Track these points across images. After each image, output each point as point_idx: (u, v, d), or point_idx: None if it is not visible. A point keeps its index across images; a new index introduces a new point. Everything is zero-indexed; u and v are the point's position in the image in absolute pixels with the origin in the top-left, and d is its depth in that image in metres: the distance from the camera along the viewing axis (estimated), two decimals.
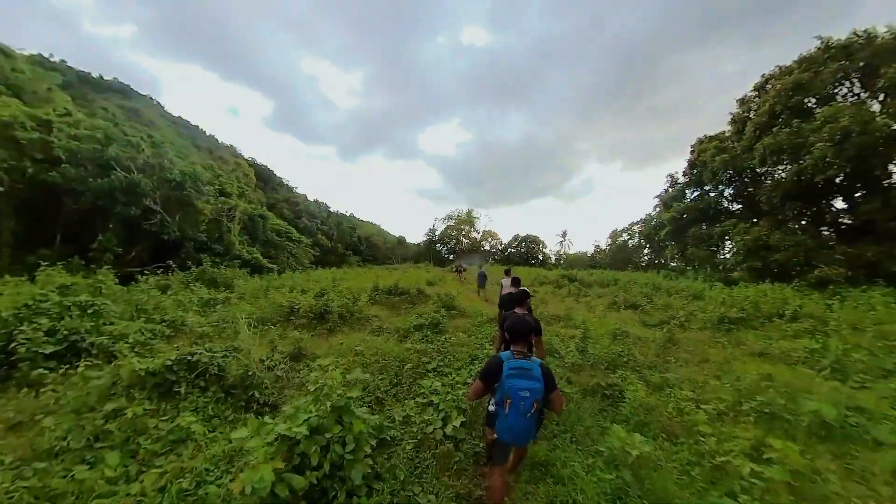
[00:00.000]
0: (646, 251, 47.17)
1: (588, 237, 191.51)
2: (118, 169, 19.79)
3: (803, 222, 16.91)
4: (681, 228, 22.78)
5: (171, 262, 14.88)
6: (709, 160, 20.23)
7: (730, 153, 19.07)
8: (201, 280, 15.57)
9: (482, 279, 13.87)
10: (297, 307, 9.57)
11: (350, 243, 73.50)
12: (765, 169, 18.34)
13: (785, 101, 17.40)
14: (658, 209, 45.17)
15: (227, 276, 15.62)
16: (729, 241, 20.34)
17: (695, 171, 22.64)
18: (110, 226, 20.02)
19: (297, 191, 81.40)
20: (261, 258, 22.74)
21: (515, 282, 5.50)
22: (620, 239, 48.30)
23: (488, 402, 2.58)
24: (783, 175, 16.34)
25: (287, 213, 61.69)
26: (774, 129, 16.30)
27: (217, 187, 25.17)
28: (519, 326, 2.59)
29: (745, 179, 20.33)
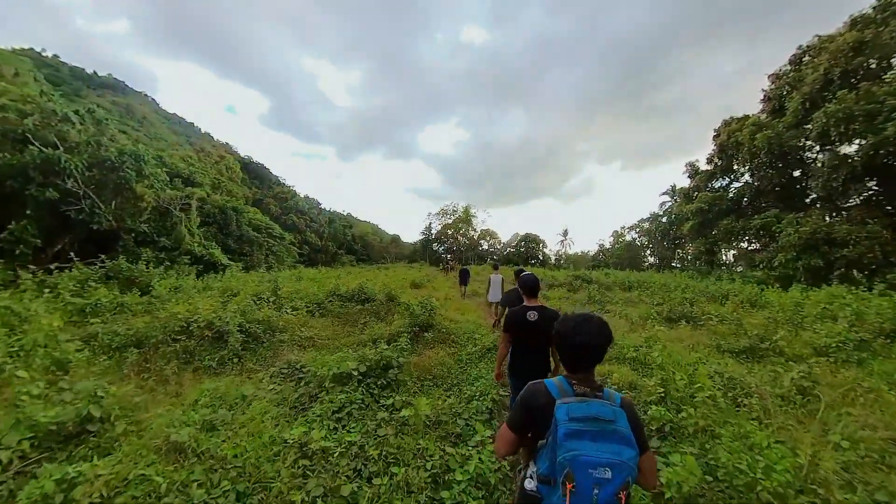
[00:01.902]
0: (648, 250, 44.39)
1: (587, 237, 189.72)
2: (36, 144, 16.32)
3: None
4: (708, 222, 19.63)
5: (73, 256, 11.53)
6: (745, 141, 17.07)
7: (773, 129, 15.92)
8: (116, 278, 12.26)
9: (464, 275, 12.98)
10: (192, 323, 6.46)
11: (343, 242, 70.25)
12: (818, 147, 15.25)
13: (845, 64, 14.29)
14: (668, 205, 42.37)
15: (149, 274, 12.31)
16: (759, 235, 17.27)
17: (724, 155, 19.49)
18: (27, 212, 16.48)
19: (295, 189, 77.52)
20: (217, 254, 19.36)
21: (520, 274, 3.86)
22: (628, 237, 45.32)
23: (521, 471, 1.39)
24: (851, 151, 13.22)
25: (274, 209, 58.19)
26: (839, 94, 13.17)
27: (165, 172, 21.78)
28: (583, 336, 1.23)
29: (787, 163, 17.21)
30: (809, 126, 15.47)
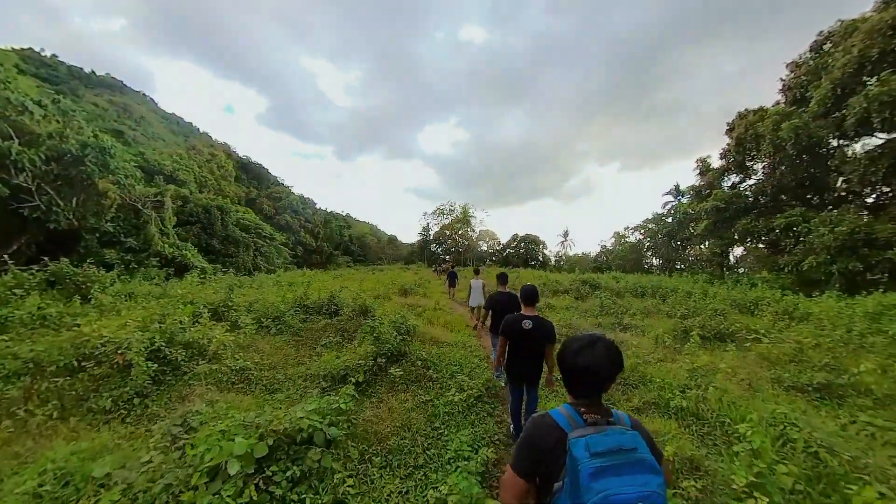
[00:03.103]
0: (650, 252, 42.88)
1: (587, 238, 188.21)
2: None
3: None
4: (723, 221, 18.13)
5: (7, 259, 10.09)
6: (767, 132, 15.58)
7: (800, 119, 14.44)
8: (60, 282, 10.81)
9: (452, 278, 12.99)
10: (100, 350, 5.12)
11: (340, 242, 68.73)
12: (841, 140, 13.79)
13: (883, 44, 12.80)
14: (671, 205, 40.87)
15: (98, 278, 10.86)
16: (782, 235, 15.77)
17: (742, 149, 18.01)
18: None
19: (291, 189, 75.49)
20: (191, 255, 17.84)
21: (502, 279, 4.36)
22: (632, 238, 43.83)
23: None
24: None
25: (267, 209, 56.62)
26: (882, 76, 11.69)
27: (148, 169, 20.33)
28: (588, 361, 1.14)
29: (813, 156, 15.72)
30: (839, 115, 14.03)
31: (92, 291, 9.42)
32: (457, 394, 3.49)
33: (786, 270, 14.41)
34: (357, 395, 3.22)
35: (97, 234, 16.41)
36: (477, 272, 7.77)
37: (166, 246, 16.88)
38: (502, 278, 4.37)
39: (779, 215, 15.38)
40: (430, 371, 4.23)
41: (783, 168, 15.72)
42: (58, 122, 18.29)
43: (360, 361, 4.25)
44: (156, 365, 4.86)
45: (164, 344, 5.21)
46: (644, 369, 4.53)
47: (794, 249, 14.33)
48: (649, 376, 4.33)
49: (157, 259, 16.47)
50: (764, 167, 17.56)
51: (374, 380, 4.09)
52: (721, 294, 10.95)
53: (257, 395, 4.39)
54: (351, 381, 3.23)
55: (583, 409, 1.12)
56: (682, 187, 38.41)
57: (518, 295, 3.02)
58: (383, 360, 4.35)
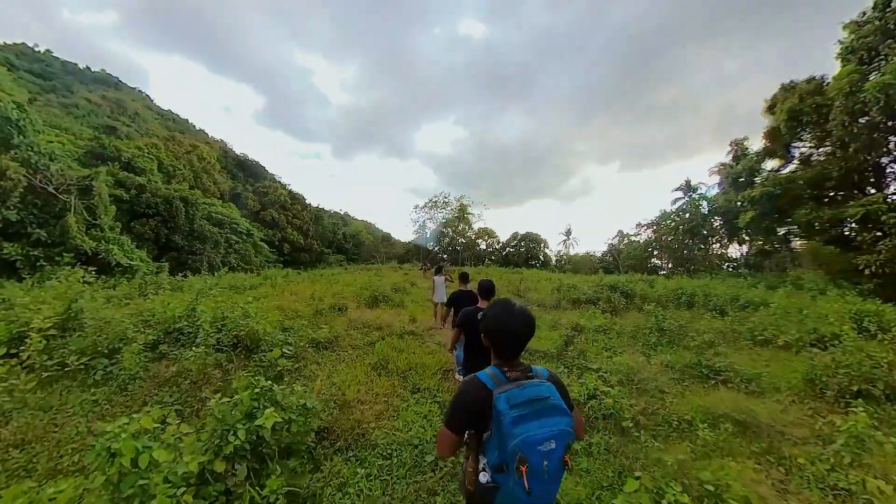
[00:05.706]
0: (655, 252, 39.65)
1: (587, 238, 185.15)
2: None
3: None
4: (773, 212, 14.93)
5: None
6: (839, 97, 12.37)
7: (892, 75, 11.23)
8: None
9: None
10: None
11: (333, 241, 65.42)
12: None
13: None
14: (681, 202, 37.78)
15: None
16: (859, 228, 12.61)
17: (796, 124, 14.79)
18: None
19: (281, 184, 71.68)
20: (119, 251, 14.50)
21: (463, 278, 4.85)
22: (643, 236, 40.59)
23: (468, 468, 1.33)
24: None
25: (252, 204, 53.28)
26: None
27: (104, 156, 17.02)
28: (520, 324, 1.32)
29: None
30: None
31: None
32: None
33: (866, 272, 11.26)
34: None
35: None
36: (439, 270, 8.17)
37: (87, 239, 13.60)
38: (463, 277, 4.79)
39: (851, 203, 12.21)
40: None
41: (857, 144, 12.53)
42: None
43: None
44: None
45: None
46: None
47: (877, 245, 11.19)
48: None
49: (74, 255, 13.19)
50: (824, 145, 14.35)
51: None
52: (833, 308, 7.49)
53: None
54: None
55: (506, 369, 1.28)
56: (708, 175, 35.24)
57: (475, 292, 3.22)
58: None
